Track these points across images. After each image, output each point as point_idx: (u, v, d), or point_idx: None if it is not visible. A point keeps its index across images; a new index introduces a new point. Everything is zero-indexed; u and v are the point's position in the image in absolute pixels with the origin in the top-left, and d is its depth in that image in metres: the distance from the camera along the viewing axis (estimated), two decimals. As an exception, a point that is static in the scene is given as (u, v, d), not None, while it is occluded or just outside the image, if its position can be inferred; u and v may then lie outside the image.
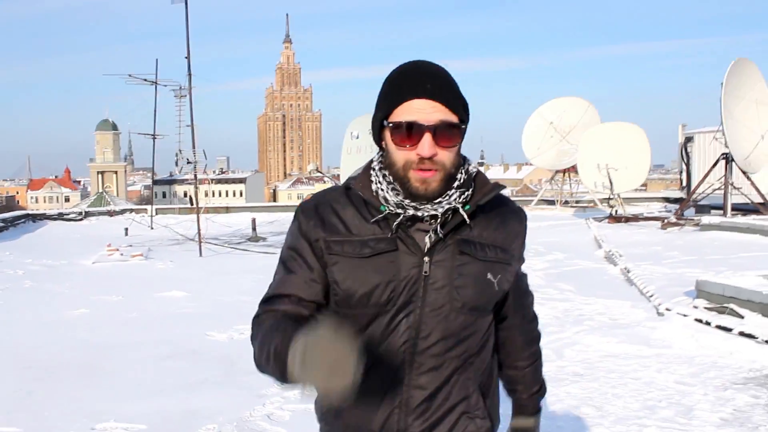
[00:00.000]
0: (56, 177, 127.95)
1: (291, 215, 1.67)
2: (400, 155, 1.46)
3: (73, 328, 7.31)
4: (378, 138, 1.54)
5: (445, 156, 1.45)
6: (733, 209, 18.07)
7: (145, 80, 19.65)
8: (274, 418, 4.52)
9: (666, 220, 17.37)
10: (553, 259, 11.92)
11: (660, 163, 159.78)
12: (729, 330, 6.29)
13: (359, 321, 1.52)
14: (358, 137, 18.54)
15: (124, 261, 13.26)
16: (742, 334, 6.18)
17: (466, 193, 1.51)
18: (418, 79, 1.46)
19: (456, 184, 1.50)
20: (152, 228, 20.36)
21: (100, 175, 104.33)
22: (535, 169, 57.42)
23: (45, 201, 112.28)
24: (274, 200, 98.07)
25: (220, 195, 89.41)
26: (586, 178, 21.42)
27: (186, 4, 14.46)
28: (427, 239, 1.49)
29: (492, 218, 1.57)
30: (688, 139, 25.55)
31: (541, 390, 1.85)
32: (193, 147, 15.07)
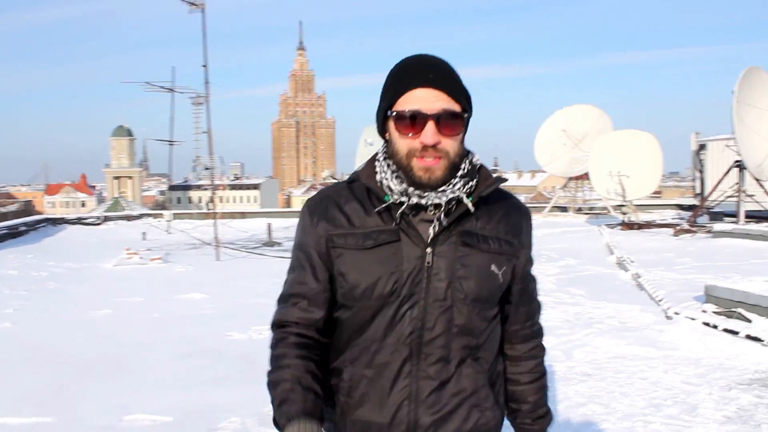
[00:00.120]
0: (72, 182, 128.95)
1: (305, 220, 1.73)
2: (404, 144, 1.49)
3: (98, 327, 7.58)
4: (382, 129, 1.57)
5: (449, 144, 1.48)
6: (746, 216, 18.13)
7: (163, 87, 19.99)
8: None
9: (678, 227, 17.45)
10: (565, 265, 12.07)
11: (675, 171, 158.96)
12: (736, 333, 6.44)
13: (365, 313, 1.54)
14: (372, 144, 18.81)
15: (144, 264, 13.54)
16: (748, 337, 6.33)
17: (470, 184, 1.54)
18: (420, 69, 1.49)
19: (460, 173, 1.52)
20: (169, 232, 20.66)
21: (115, 181, 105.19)
22: (549, 176, 57.47)
23: (61, 206, 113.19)
24: (288, 206, 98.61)
25: (234, 201, 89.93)
26: (598, 185, 21.52)
27: (203, 13, 14.78)
28: (430, 229, 1.51)
29: (495, 211, 1.59)
30: (702, 147, 25.59)
31: (548, 417, 1.76)
32: (210, 153, 15.36)
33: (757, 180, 17.80)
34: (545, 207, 26.98)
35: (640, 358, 5.96)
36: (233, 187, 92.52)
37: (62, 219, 24.20)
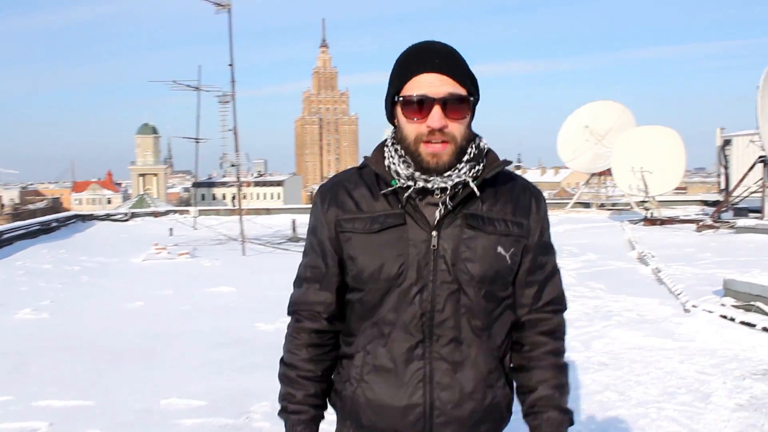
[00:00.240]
0: (99, 180, 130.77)
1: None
2: (411, 128, 1.51)
3: (132, 318, 7.89)
4: (390, 115, 1.59)
5: (455, 128, 1.50)
6: (770, 212, 18.01)
7: (189, 86, 20.39)
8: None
9: (701, 223, 17.42)
10: (587, 260, 12.18)
11: (701, 167, 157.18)
12: (753, 326, 6.55)
13: (374, 296, 1.57)
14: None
15: (172, 259, 13.88)
16: (765, 329, 6.43)
17: (477, 168, 1.56)
18: (426, 55, 1.51)
19: (466, 157, 1.54)
20: (195, 228, 21.06)
21: (140, 178, 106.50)
22: (573, 173, 57.25)
23: (88, 203, 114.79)
24: (312, 202, 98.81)
25: (258, 197, 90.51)
26: (621, 181, 21.53)
27: (229, 13, 15.06)
28: (436, 213, 1.54)
29: (502, 193, 1.60)
30: (726, 142, 25.45)
31: (564, 407, 1.67)
32: (236, 150, 15.66)
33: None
34: (568, 203, 27.01)
35: (657, 348, 6.10)
36: (257, 184, 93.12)
37: (91, 215, 24.74)
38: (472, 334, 1.57)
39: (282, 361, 1.71)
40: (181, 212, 26.66)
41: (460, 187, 1.54)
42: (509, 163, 1.61)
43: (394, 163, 1.56)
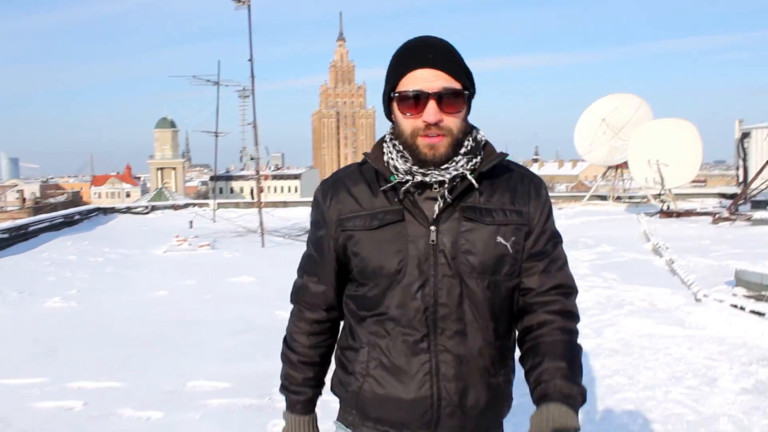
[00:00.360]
0: (117, 173, 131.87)
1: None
2: (408, 123, 1.53)
3: (157, 307, 8.17)
4: (388, 112, 1.62)
5: (451, 122, 1.52)
6: (789, 205, 18.00)
7: (209, 81, 20.70)
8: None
9: (717, 215, 17.43)
10: (601, 251, 12.30)
11: (721, 159, 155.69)
12: (762, 314, 6.68)
13: (377, 291, 1.60)
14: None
15: (193, 251, 14.18)
16: (774, 318, 6.56)
17: (474, 161, 1.58)
18: (420, 51, 1.53)
19: (463, 150, 1.56)
20: (215, 221, 21.36)
21: (159, 172, 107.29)
22: (590, 166, 57.04)
23: (107, 196, 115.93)
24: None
25: (275, 191, 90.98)
26: (637, 174, 21.55)
27: (249, 9, 15.29)
28: (435, 207, 1.55)
29: (500, 183, 1.61)
30: (745, 135, 25.32)
31: (574, 379, 1.54)
32: (256, 144, 15.92)
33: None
34: (585, 196, 27.03)
35: (667, 336, 6.25)
36: (274, 177, 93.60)
37: (113, 208, 25.14)
38: (476, 326, 1.58)
39: (284, 342, 1.80)
40: (201, 205, 27.01)
41: (458, 180, 1.55)
42: (506, 155, 1.62)
43: (392, 159, 1.58)
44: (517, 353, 1.70)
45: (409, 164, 1.55)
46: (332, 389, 1.76)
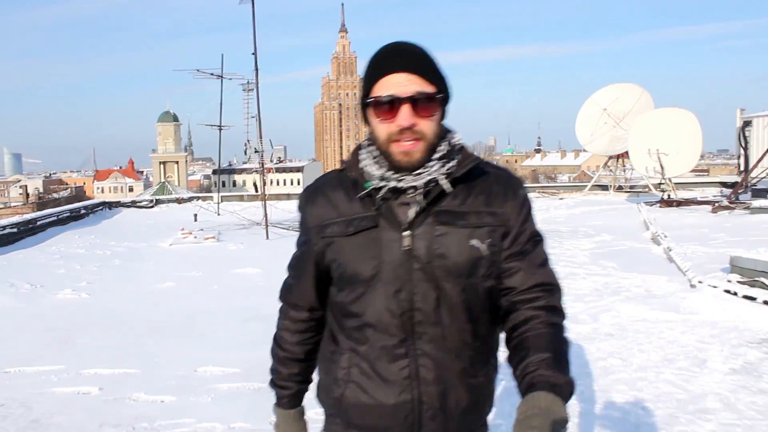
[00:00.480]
0: (120, 168, 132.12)
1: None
2: (383, 128, 1.53)
3: (165, 297, 8.39)
4: (365, 117, 1.61)
5: (426, 126, 1.52)
6: (789, 193, 18.15)
7: (212, 74, 20.85)
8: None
9: (717, 204, 17.59)
10: (601, 240, 12.49)
11: (724, 148, 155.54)
12: (754, 299, 6.87)
13: (354, 297, 1.61)
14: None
15: (198, 243, 14.38)
16: (766, 302, 6.75)
17: (449, 165, 1.57)
18: (393, 55, 1.54)
19: (437, 155, 1.56)
20: (219, 214, 21.57)
21: (161, 165, 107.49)
22: (593, 156, 57.01)
23: (110, 191, 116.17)
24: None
25: (278, 183, 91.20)
26: (638, 164, 21.72)
27: (252, 3, 15.44)
28: (410, 212, 1.55)
29: (474, 186, 1.60)
30: (746, 123, 25.43)
31: (561, 369, 1.47)
32: (260, 137, 16.11)
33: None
34: (587, 186, 27.20)
35: (661, 321, 6.45)
36: (276, 170, 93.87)
37: (118, 203, 25.40)
38: (454, 328, 1.58)
39: (274, 338, 1.85)
40: (204, 198, 27.25)
41: (432, 185, 1.55)
42: (480, 159, 1.62)
43: (367, 165, 1.58)
44: (503, 352, 1.67)
45: (383, 170, 1.55)
46: (317, 396, 1.77)
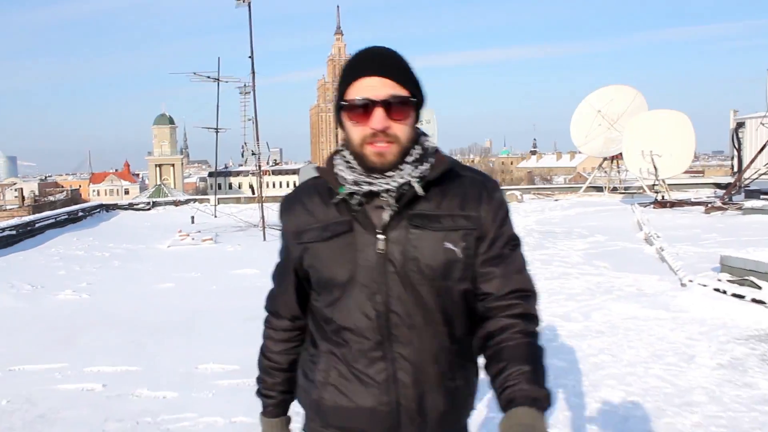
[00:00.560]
0: (116, 170, 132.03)
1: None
2: (356, 132, 1.54)
3: (165, 298, 8.52)
4: (340, 122, 1.60)
5: (399, 129, 1.53)
6: (782, 194, 18.28)
7: (209, 77, 20.97)
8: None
9: (710, 205, 17.75)
10: (594, 241, 12.63)
11: (719, 150, 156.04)
12: (742, 297, 7.02)
13: (331, 301, 1.62)
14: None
15: (196, 245, 14.52)
16: (754, 300, 6.90)
17: (422, 168, 1.57)
18: (367, 59, 1.55)
19: (410, 158, 1.56)
20: (216, 216, 21.69)
21: (157, 168, 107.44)
22: (588, 157, 57.26)
23: (106, 194, 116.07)
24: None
25: (274, 186, 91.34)
26: (632, 165, 21.92)
27: (249, 6, 15.58)
28: (384, 216, 1.56)
29: (449, 189, 1.60)
30: (740, 125, 25.67)
31: (540, 382, 1.49)
32: (257, 140, 16.23)
33: (790, 157, 17.98)
34: (582, 187, 27.39)
35: (651, 319, 6.60)
36: (272, 172, 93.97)
37: (115, 205, 25.49)
38: (430, 331, 1.59)
39: (260, 347, 1.86)
40: (201, 201, 27.37)
41: (406, 188, 1.56)
42: (455, 162, 1.65)
43: (340, 170, 1.59)
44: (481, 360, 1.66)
45: (355, 174, 1.56)
46: (297, 396, 1.80)
